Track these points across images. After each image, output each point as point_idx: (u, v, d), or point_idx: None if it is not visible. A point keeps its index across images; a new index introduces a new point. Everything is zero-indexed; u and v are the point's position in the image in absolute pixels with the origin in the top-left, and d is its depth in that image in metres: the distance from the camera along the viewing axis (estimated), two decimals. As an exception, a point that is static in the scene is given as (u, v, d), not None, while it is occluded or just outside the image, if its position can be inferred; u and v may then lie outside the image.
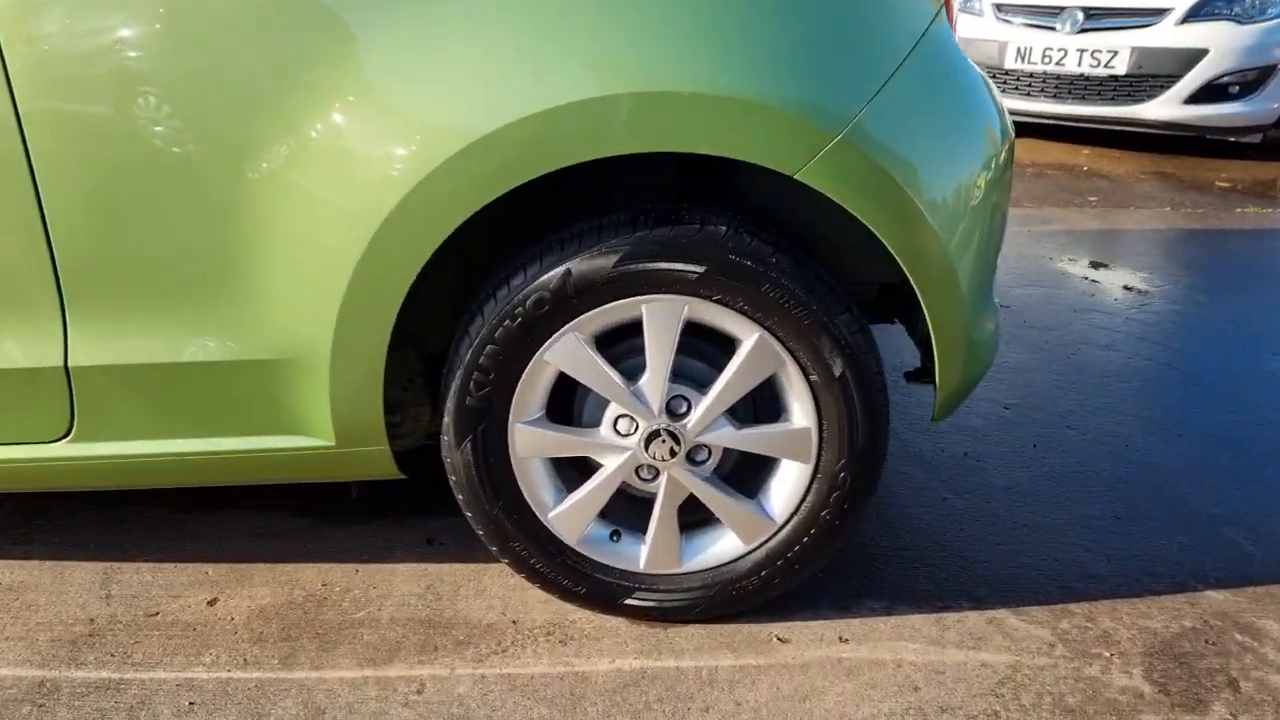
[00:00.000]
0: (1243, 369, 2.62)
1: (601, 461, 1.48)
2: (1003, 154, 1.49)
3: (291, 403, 1.42)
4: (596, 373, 1.39)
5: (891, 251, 1.32)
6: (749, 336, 1.38)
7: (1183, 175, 5.07)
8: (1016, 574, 1.72)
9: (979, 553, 1.78)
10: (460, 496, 1.48)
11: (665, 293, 1.34)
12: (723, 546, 1.53)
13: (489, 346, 1.36)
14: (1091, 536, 1.84)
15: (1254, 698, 1.45)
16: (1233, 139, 5.55)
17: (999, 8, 5.67)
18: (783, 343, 1.37)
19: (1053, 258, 3.62)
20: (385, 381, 1.39)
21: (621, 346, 1.44)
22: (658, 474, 1.48)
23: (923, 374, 1.60)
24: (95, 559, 1.74)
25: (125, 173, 1.28)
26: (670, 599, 1.54)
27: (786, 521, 1.49)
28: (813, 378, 1.39)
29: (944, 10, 1.43)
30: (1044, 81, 5.53)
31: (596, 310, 1.35)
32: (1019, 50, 5.54)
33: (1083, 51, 5.32)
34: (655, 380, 1.40)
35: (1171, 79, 5.15)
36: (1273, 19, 5.04)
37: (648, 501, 1.51)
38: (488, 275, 1.44)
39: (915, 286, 1.36)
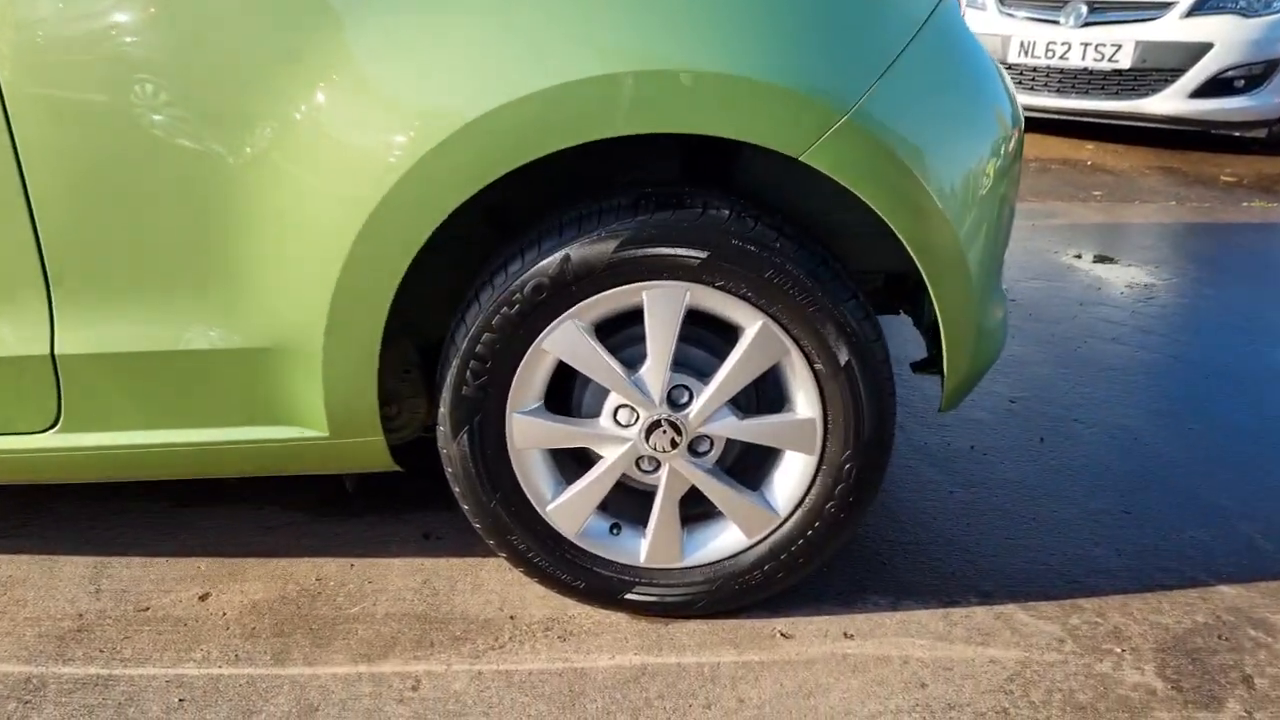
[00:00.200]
0: (1250, 362, 2.59)
1: (601, 453, 1.44)
2: (1014, 140, 1.46)
3: (284, 393, 1.38)
4: (596, 361, 1.36)
5: (899, 237, 1.29)
6: (752, 324, 1.34)
7: (1188, 170, 5.04)
8: (1024, 569, 1.69)
9: (986, 547, 1.75)
10: (457, 489, 1.45)
11: (667, 279, 1.31)
12: (725, 540, 1.50)
13: (486, 334, 1.33)
14: (1101, 531, 1.81)
15: (1269, 694, 1.42)
16: (1238, 133, 5.53)
17: (1003, 1, 5.64)
18: (787, 330, 1.34)
19: (1058, 251, 3.59)
20: (380, 371, 1.36)
21: (621, 335, 1.41)
22: (659, 465, 1.45)
23: (929, 364, 1.57)
24: (85, 553, 1.71)
25: (112, 158, 1.25)
26: (671, 594, 1.51)
27: (790, 514, 1.46)
28: (817, 366, 1.36)
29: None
30: (1048, 76, 5.50)
31: (596, 297, 1.32)
32: (1023, 44, 5.51)
33: (1087, 45, 5.29)
34: (656, 369, 1.37)
35: (1176, 73, 5.12)
36: (1279, 12, 5.01)
37: (648, 494, 1.48)
38: (485, 261, 1.41)
39: (923, 273, 1.32)
